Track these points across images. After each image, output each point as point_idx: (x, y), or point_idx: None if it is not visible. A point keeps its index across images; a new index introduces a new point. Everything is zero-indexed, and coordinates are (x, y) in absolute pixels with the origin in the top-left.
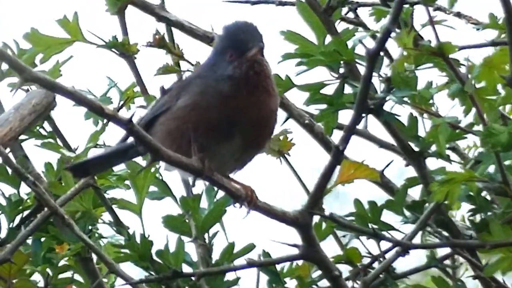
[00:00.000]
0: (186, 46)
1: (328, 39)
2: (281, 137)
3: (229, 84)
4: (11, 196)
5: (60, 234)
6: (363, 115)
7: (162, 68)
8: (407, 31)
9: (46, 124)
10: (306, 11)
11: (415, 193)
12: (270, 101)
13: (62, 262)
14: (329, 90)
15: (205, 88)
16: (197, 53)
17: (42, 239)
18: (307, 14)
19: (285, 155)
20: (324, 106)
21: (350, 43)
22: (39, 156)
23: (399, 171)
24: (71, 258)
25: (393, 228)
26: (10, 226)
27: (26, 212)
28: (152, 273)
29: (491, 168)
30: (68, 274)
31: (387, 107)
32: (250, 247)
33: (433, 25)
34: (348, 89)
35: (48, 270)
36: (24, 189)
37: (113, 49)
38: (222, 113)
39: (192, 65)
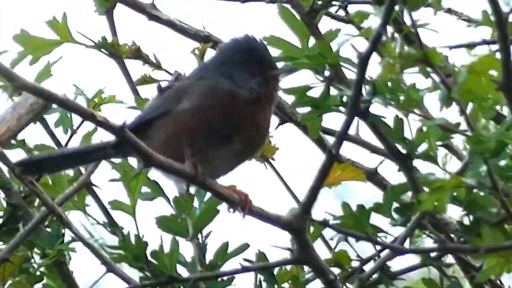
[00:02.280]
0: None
1: (312, 41)
2: None
3: (250, 95)
4: None
5: (35, 239)
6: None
7: (140, 79)
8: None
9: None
10: (287, 15)
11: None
12: (270, 117)
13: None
14: (314, 93)
15: (213, 90)
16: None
17: None
18: (289, 17)
19: (270, 159)
20: (309, 109)
21: (334, 45)
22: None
23: (394, 169)
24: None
25: (382, 231)
26: None
27: None
28: (147, 273)
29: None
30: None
31: (373, 109)
32: (244, 247)
33: (417, 31)
34: (333, 92)
35: None
36: None
37: (102, 50)
38: (230, 117)
39: (170, 74)
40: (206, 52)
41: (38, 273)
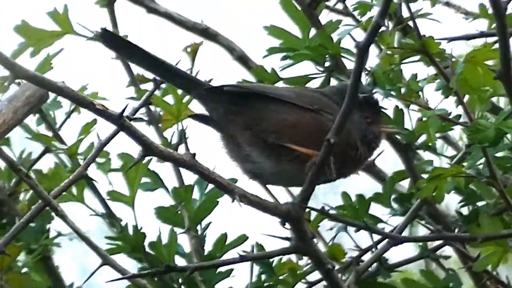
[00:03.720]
0: None
1: (313, 32)
2: None
3: (367, 146)
4: None
5: (21, 234)
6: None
7: (133, 79)
8: (397, 24)
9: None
10: (289, 6)
11: (404, 184)
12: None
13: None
14: (315, 84)
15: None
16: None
17: None
18: (290, 8)
19: None
20: None
21: (335, 36)
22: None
23: (393, 160)
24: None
25: (381, 221)
26: None
27: None
28: (145, 264)
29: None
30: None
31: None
32: (242, 239)
33: (415, 22)
34: (334, 82)
35: None
36: None
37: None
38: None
39: None
40: (199, 50)
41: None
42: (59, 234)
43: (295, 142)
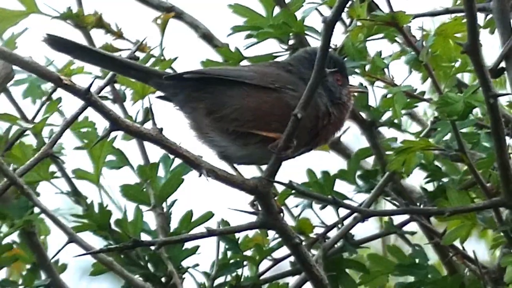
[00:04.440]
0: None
1: (277, 10)
2: None
3: (337, 106)
4: None
5: (3, 209)
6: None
7: (102, 48)
8: (361, 1)
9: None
10: None
11: (369, 161)
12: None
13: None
14: None
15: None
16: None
17: None
18: None
19: None
20: None
21: (299, 14)
22: None
23: (356, 137)
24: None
25: (346, 198)
26: None
27: None
28: (111, 242)
29: (447, 136)
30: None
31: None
32: (208, 215)
33: None
34: None
35: None
36: None
37: (68, 21)
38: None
39: (132, 43)
40: (169, 22)
41: (7, 241)
42: (43, 211)
43: (258, 125)
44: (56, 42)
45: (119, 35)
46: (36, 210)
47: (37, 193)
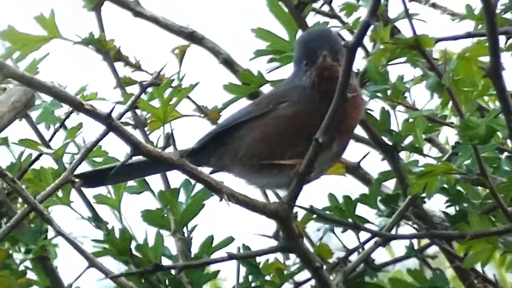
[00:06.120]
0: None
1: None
2: None
3: (305, 94)
4: None
5: (18, 235)
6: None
7: (119, 81)
8: (383, 25)
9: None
10: (276, 7)
11: (390, 185)
12: (348, 106)
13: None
14: None
15: (304, 97)
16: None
17: None
18: (277, 10)
19: None
20: None
21: None
22: None
23: (377, 163)
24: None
25: (367, 222)
26: None
27: None
28: (132, 267)
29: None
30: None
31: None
32: (229, 240)
33: (409, 17)
34: None
35: None
36: None
37: (89, 46)
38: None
39: (150, 74)
40: (186, 51)
41: (21, 268)
42: (58, 235)
43: (275, 151)
44: (90, 180)
45: (137, 67)
46: (50, 234)
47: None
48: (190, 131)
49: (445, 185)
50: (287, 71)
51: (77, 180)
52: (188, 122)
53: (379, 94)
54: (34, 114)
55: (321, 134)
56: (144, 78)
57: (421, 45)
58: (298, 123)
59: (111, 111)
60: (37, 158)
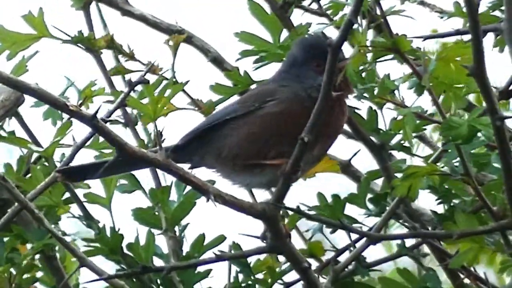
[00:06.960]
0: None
1: (285, 34)
2: None
3: (296, 94)
4: None
5: (24, 232)
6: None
7: (113, 69)
8: (369, 22)
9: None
10: (257, 10)
11: (379, 183)
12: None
13: (25, 261)
14: None
15: (295, 96)
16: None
17: (5, 239)
18: (259, 13)
19: None
20: None
21: None
22: None
23: (369, 160)
24: (34, 258)
25: (356, 221)
26: None
27: None
28: (124, 266)
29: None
30: (32, 273)
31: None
32: (220, 239)
33: (386, 19)
34: None
35: (12, 270)
36: None
37: (78, 44)
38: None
39: (144, 64)
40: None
41: (24, 263)
42: (64, 234)
43: (260, 150)
44: (71, 174)
45: (130, 56)
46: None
47: (58, 217)
48: (184, 125)
49: (432, 184)
50: (272, 70)
51: (59, 174)
52: (183, 116)
53: (365, 94)
54: (38, 111)
55: (307, 133)
56: (137, 68)
57: (399, 48)
58: (285, 121)
59: (96, 112)
60: (39, 157)
